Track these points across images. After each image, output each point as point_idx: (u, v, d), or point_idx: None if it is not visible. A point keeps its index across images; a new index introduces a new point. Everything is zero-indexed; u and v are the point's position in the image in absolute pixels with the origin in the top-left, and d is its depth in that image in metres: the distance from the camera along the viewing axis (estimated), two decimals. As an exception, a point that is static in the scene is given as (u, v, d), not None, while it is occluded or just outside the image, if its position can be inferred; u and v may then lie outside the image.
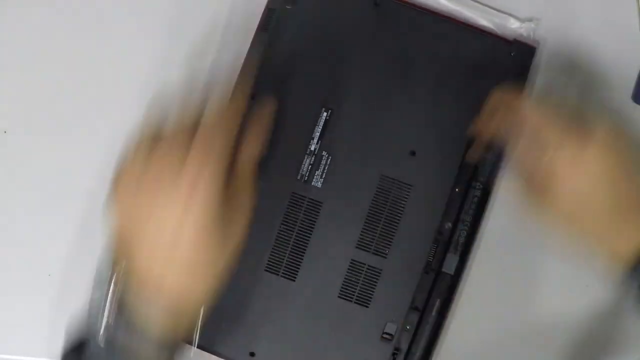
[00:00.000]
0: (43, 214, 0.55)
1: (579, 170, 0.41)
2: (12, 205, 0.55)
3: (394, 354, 0.50)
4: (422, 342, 0.50)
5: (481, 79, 0.51)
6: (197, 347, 0.51)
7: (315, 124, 0.51)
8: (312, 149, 0.51)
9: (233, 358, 0.51)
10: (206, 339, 0.51)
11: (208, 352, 0.51)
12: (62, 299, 0.54)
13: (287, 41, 0.52)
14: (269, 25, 0.52)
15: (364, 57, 0.52)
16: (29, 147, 0.55)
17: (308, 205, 0.51)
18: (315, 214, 0.51)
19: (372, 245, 0.51)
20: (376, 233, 0.51)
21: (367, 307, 0.50)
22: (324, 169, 0.51)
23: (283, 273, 0.51)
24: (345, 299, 0.51)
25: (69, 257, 0.54)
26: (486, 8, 0.53)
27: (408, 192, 0.51)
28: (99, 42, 0.55)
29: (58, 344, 0.54)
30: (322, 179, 0.51)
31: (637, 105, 0.54)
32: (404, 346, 0.50)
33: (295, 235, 0.51)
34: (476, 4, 0.53)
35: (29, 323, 0.54)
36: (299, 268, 0.51)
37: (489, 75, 0.51)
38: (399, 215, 0.51)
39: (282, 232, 0.51)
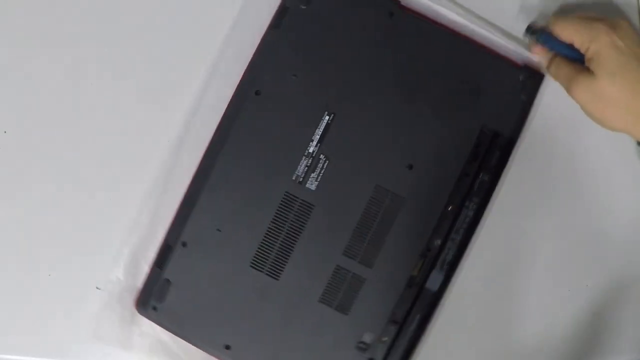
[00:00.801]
0: (43, 214, 0.54)
1: (615, 48, 0.47)
2: (12, 205, 0.54)
3: (367, 363, 0.51)
4: (396, 355, 0.50)
5: (487, 100, 0.51)
6: (173, 333, 0.52)
7: (316, 126, 0.51)
8: (311, 151, 0.51)
9: (208, 348, 0.51)
10: (184, 327, 0.51)
11: (184, 339, 0.52)
12: (62, 299, 0.54)
13: (298, 40, 0.52)
14: (282, 23, 0.52)
15: (372, 65, 0.52)
16: (29, 147, 0.54)
17: (300, 206, 0.51)
18: (305, 216, 0.51)
19: (359, 254, 0.51)
20: (364, 242, 0.51)
21: (346, 314, 0.51)
22: (319, 172, 0.51)
23: (268, 271, 0.51)
24: (325, 304, 0.51)
25: (69, 257, 0.54)
26: (500, 30, 0.53)
27: (401, 204, 0.51)
28: (101, 39, 0.55)
29: (57, 344, 0.54)
30: (316, 182, 0.51)
31: None
32: (379, 357, 0.50)
33: (284, 235, 0.51)
34: (491, 25, 0.53)
35: (29, 323, 0.54)
36: (283, 267, 0.51)
37: (494, 98, 0.51)
38: (389, 226, 0.51)
39: (271, 230, 0.51)
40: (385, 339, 0.50)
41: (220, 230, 0.51)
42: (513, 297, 0.54)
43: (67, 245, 0.54)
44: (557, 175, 0.54)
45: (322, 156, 0.51)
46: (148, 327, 0.53)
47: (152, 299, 0.52)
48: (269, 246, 0.51)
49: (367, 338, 0.51)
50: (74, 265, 0.54)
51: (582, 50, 0.49)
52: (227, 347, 0.51)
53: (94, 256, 0.54)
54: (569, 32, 0.49)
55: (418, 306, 0.51)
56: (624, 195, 0.54)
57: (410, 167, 0.51)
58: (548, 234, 0.54)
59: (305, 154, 0.51)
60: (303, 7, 0.52)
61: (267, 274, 0.51)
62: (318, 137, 0.51)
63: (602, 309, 0.54)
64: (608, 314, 0.54)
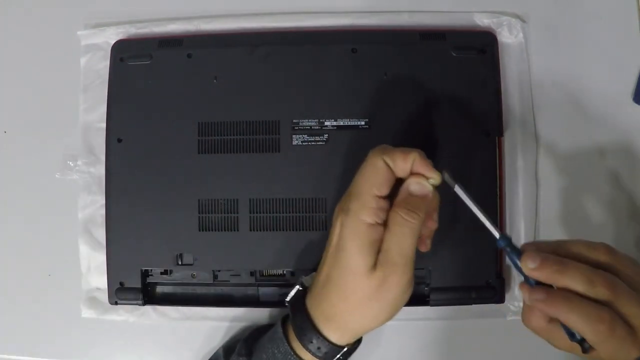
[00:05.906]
0: (43, 213, 0.55)
1: None
2: (12, 205, 0.56)
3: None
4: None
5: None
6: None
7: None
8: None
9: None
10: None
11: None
12: (62, 299, 0.55)
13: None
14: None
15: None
16: (29, 147, 0.56)
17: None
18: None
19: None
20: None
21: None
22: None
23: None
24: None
25: (69, 257, 0.55)
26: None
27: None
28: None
29: (57, 344, 0.55)
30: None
31: (637, 105, 0.53)
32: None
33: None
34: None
35: (29, 323, 0.55)
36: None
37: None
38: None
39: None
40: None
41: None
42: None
43: (67, 245, 0.55)
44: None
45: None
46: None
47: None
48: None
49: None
50: (74, 265, 0.54)
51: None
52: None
53: (94, 256, 0.54)
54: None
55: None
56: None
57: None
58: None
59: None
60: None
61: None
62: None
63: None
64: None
